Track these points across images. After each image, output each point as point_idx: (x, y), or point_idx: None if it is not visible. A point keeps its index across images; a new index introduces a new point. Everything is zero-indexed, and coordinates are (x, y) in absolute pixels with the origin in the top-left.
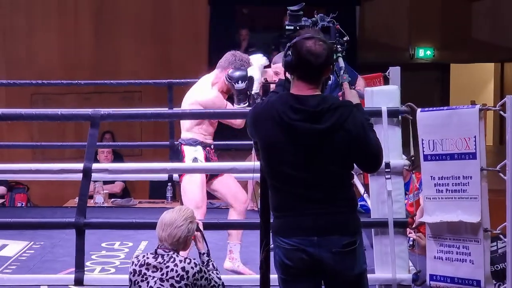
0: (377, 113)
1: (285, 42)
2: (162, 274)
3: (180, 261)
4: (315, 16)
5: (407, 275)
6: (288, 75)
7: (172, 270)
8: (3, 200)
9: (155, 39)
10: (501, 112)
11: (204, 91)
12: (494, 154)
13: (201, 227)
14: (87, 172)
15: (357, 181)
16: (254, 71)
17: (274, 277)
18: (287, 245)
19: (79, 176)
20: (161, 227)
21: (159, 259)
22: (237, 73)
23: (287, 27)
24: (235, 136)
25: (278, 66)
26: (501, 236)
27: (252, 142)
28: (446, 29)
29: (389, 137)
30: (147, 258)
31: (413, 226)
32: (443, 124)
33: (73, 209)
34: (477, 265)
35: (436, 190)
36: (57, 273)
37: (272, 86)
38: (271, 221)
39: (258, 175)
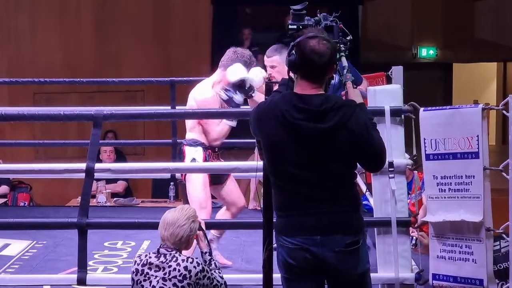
0: (380, 112)
1: (287, 42)
2: (165, 274)
3: (183, 260)
4: (318, 15)
5: (409, 274)
6: (291, 74)
7: (174, 269)
8: (5, 199)
9: (157, 38)
10: (504, 112)
11: (202, 90)
12: (497, 153)
13: (203, 226)
14: (89, 172)
15: (359, 180)
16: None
17: (276, 276)
18: (290, 244)
19: (82, 176)
20: (163, 226)
21: (162, 259)
22: (234, 87)
23: (290, 26)
24: (238, 135)
25: (274, 59)
26: (504, 236)
27: (255, 141)
28: (449, 28)
29: (392, 136)
30: (150, 257)
31: (416, 225)
32: (446, 124)
33: (76, 209)
34: (479, 264)
35: (439, 189)
36: (59, 272)
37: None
38: (274, 220)
39: (261, 174)
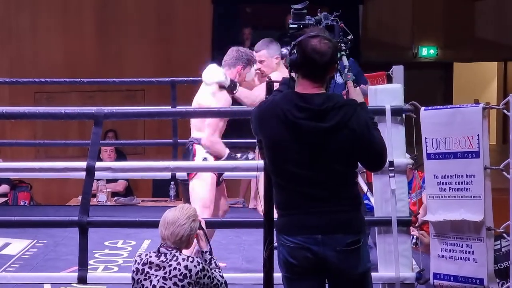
0: (381, 112)
1: (288, 41)
2: (165, 273)
3: (183, 259)
4: (319, 14)
5: (410, 273)
6: (293, 73)
7: (175, 268)
8: (6, 199)
9: (158, 38)
10: (505, 111)
11: (217, 98)
12: (497, 153)
13: (203, 226)
14: (90, 171)
15: (360, 179)
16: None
17: (277, 275)
18: (291, 244)
19: (83, 175)
20: (163, 225)
21: (162, 258)
22: None
23: (290, 26)
24: (239, 134)
25: (262, 54)
26: (505, 235)
27: (255, 140)
28: (449, 28)
29: (392, 136)
30: (150, 256)
31: (417, 224)
32: (447, 123)
33: (76, 208)
34: (480, 263)
35: (439, 188)
36: (60, 271)
37: (276, 85)
38: (275, 219)
39: (262, 173)
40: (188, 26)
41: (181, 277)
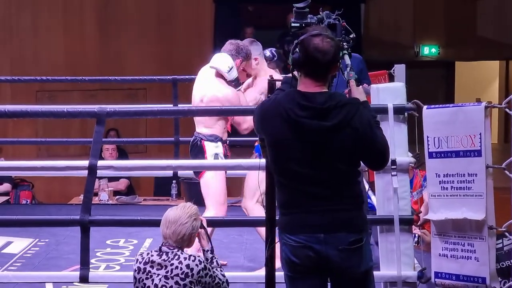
0: (383, 110)
1: (290, 40)
2: (167, 272)
3: (185, 258)
4: (321, 13)
5: (412, 272)
6: (295, 72)
7: (176, 267)
8: (8, 197)
9: (159, 37)
10: (507, 110)
11: (222, 89)
12: (499, 152)
13: (204, 224)
14: (92, 169)
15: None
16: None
17: (279, 274)
18: (293, 242)
19: (85, 173)
20: (165, 224)
21: (164, 257)
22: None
23: (292, 24)
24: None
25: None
26: (507, 234)
27: (255, 138)
28: (451, 26)
29: (395, 134)
30: (152, 255)
31: (418, 223)
32: (449, 122)
33: (78, 207)
34: (482, 262)
35: (441, 187)
36: (62, 270)
37: (278, 84)
38: (277, 218)
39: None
40: (189, 25)
41: (182, 276)
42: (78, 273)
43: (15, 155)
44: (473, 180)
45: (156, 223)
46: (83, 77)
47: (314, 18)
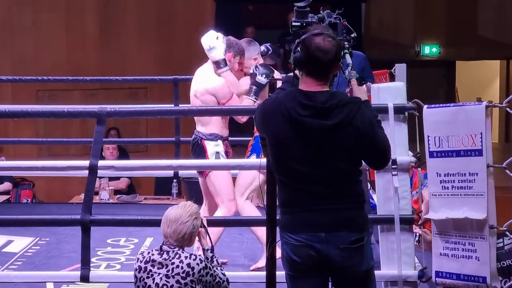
0: (384, 110)
1: (291, 39)
2: (168, 271)
3: (186, 257)
4: (321, 12)
5: (413, 271)
6: (296, 71)
7: (177, 266)
8: (8, 196)
9: (160, 37)
10: (508, 109)
11: (212, 79)
12: (500, 151)
13: (205, 223)
14: (93, 169)
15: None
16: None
17: (280, 273)
18: (294, 241)
19: (85, 173)
20: (166, 223)
21: (164, 256)
22: (266, 69)
23: (293, 24)
24: (241, 131)
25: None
26: (507, 233)
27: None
28: (452, 26)
29: (395, 134)
30: (152, 254)
31: (419, 222)
32: (450, 121)
33: (79, 206)
34: (483, 261)
35: (442, 186)
36: (62, 269)
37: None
38: (278, 217)
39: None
40: (190, 24)
41: (183, 275)
42: (79, 272)
43: (16, 155)
44: (474, 179)
45: (156, 223)
46: (84, 77)
47: (315, 17)
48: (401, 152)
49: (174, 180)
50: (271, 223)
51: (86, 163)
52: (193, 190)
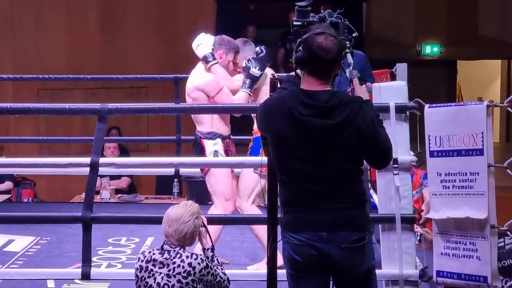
0: (385, 109)
1: (292, 39)
2: (169, 270)
3: (187, 257)
4: (322, 12)
5: (414, 271)
6: (298, 70)
7: (179, 266)
8: (9, 195)
9: (161, 35)
10: (509, 109)
11: (199, 76)
12: (501, 150)
13: (205, 223)
14: (94, 166)
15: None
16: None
17: (281, 272)
18: (296, 241)
19: (86, 170)
20: (167, 222)
21: (166, 255)
22: (258, 62)
23: (295, 23)
24: (242, 130)
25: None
26: (508, 233)
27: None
28: (453, 25)
29: (397, 133)
30: (154, 254)
31: (420, 222)
32: (451, 120)
33: (80, 205)
34: (484, 261)
35: (443, 186)
36: (63, 268)
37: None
38: (279, 216)
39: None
40: (191, 23)
41: (185, 274)
42: (80, 270)
43: (17, 154)
44: (475, 179)
45: (158, 220)
46: (85, 76)
47: (316, 16)
48: (402, 152)
49: (175, 180)
50: (272, 222)
51: (87, 160)
52: (194, 190)
